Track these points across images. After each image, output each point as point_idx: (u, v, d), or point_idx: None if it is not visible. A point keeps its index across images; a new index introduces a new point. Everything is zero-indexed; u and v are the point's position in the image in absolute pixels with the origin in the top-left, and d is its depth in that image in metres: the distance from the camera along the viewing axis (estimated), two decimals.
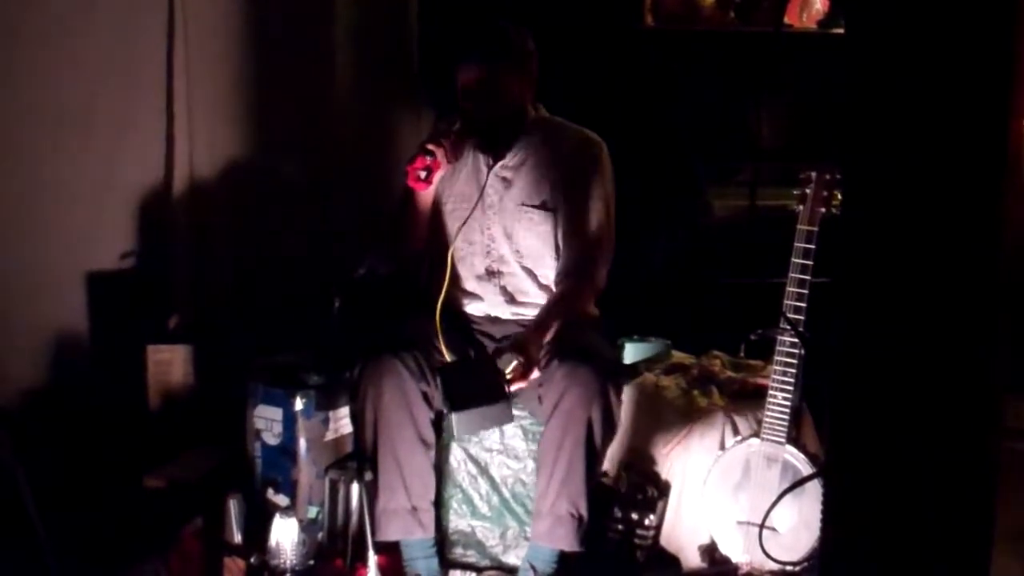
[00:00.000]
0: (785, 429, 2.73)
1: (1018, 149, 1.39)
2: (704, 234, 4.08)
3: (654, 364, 3.24)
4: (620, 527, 2.91)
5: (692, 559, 2.92)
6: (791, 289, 2.70)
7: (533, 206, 2.91)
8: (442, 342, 2.75)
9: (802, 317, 2.69)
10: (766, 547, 2.61)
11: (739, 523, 2.81)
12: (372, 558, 2.70)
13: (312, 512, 2.95)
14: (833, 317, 1.51)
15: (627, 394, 2.97)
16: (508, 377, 2.60)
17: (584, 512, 2.71)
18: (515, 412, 2.81)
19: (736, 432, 2.90)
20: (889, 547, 1.48)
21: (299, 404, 2.92)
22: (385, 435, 2.73)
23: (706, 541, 2.90)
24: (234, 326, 3.55)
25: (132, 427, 3.24)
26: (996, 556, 1.48)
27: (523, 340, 2.73)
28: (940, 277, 1.41)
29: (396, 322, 2.94)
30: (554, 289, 2.93)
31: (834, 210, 2.70)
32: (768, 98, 3.97)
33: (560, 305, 2.85)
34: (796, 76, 3.92)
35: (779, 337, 2.74)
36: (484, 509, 2.94)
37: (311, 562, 2.86)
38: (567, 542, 2.71)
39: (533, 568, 2.74)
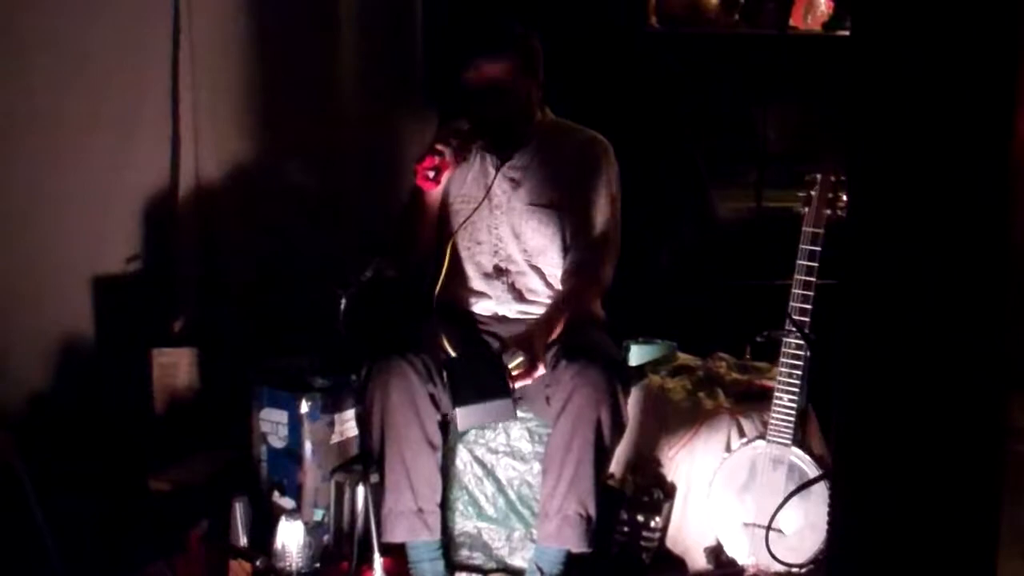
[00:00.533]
0: (791, 431, 2.73)
1: None
2: (710, 236, 4.07)
3: (660, 366, 3.23)
4: (626, 529, 2.90)
5: (698, 561, 2.92)
6: (796, 291, 2.70)
7: (541, 206, 2.92)
8: (444, 339, 2.75)
9: (807, 319, 2.68)
10: (772, 549, 2.60)
11: (745, 525, 2.80)
12: (378, 560, 2.70)
13: (318, 515, 2.95)
14: (838, 319, 1.50)
15: (632, 396, 2.97)
16: (513, 373, 2.61)
17: (592, 512, 2.71)
18: (521, 414, 2.81)
19: (742, 434, 2.90)
20: (895, 549, 1.48)
21: (305, 407, 2.92)
22: (392, 437, 2.74)
23: (712, 543, 2.90)
24: (239, 329, 3.55)
25: (137, 430, 3.25)
26: (1002, 559, 1.47)
27: (529, 337, 2.74)
28: (946, 279, 1.41)
29: (403, 325, 2.94)
30: (560, 287, 2.93)
31: (839, 212, 2.70)
32: (773, 100, 3.96)
33: (566, 303, 2.86)
34: (801, 78, 3.91)
35: (785, 339, 2.74)
36: (490, 511, 2.94)
37: (317, 565, 2.86)
38: (575, 542, 2.71)
39: (540, 570, 2.74)
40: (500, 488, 2.94)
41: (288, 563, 2.75)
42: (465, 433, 2.90)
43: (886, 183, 1.43)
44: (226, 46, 3.53)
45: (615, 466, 2.97)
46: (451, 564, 2.90)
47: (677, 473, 2.98)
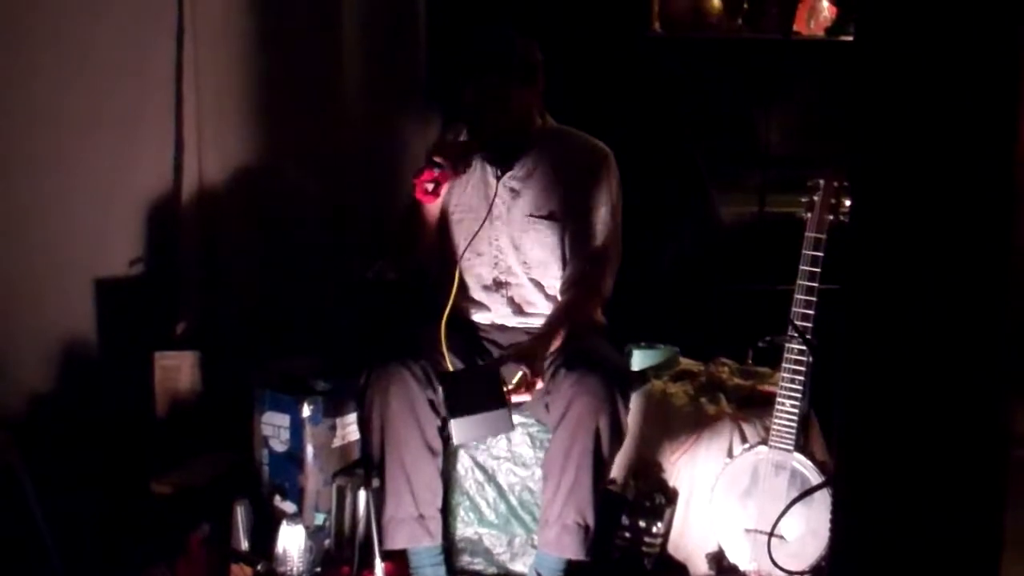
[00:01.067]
0: (793, 437, 2.73)
1: None
2: (712, 240, 4.07)
3: (662, 371, 3.23)
4: (628, 534, 2.90)
5: (700, 567, 2.92)
6: (799, 296, 2.70)
7: (541, 217, 2.91)
8: (446, 354, 2.75)
9: (810, 324, 2.68)
10: (774, 555, 2.60)
11: (747, 531, 2.80)
12: (379, 566, 2.70)
13: (319, 519, 2.95)
14: (841, 324, 1.50)
15: (635, 401, 2.96)
16: (510, 387, 2.59)
17: (591, 522, 2.70)
18: (522, 420, 2.80)
19: (744, 439, 2.90)
20: (898, 557, 1.47)
21: (307, 411, 2.92)
22: (392, 443, 2.73)
23: (714, 549, 2.89)
24: (242, 332, 3.55)
25: (139, 433, 3.24)
26: (1006, 565, 1.47)
27: (528, 350, 2.73)
28: (949, 285, 1.40)
29: (404, 329, 2.94)
30: (560, 298, 2.92)
31: (842, 218, 2.69)
32: (776, 104, 3.96)
33: (566, 314, 2.85)
34: (804, 83, 3.91)
35: (787, 344, 2.73)
36: (491, 517, 2.94)
37: (318, 569, 2.87)
38: (574, 551, 2.71)
39: None
40: (501, 494, 2.93)
41: (289, 567, 2.74)
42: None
43: (889, 188, 1.43)
44: (230, 47, 3.53)
45: (617, 471, 2.97)
46: (452, 570, 2.90)
47: (679, 478, 2.98)
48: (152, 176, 3.46)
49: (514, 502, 2.93)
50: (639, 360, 3.25)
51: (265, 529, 2.86)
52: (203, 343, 3.39)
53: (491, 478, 2.94)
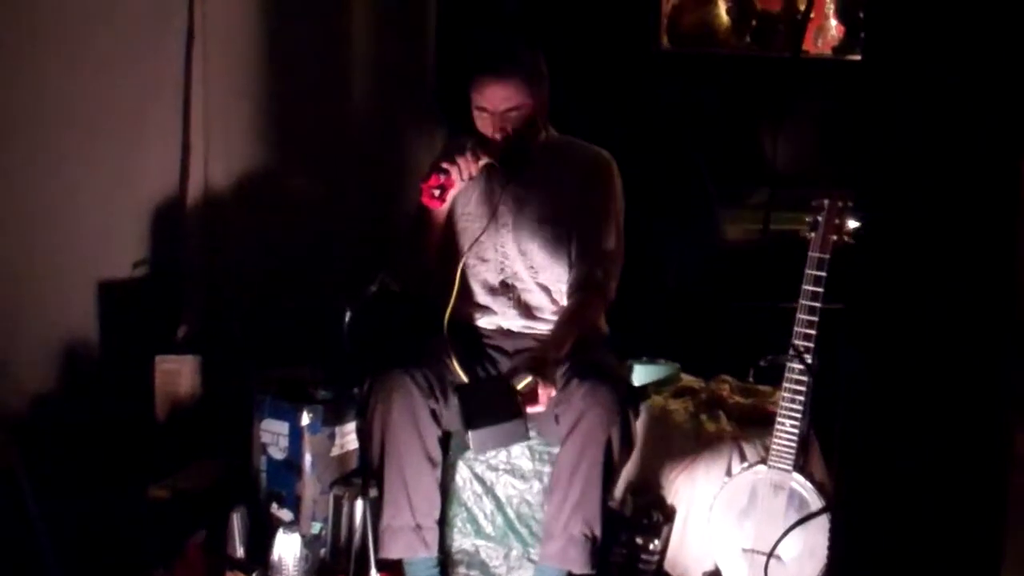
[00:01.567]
0: (792, 457, 2.72)
1: None
2: (716, 257, 4.07)
3: (663, 387, 3.23)
4: (624, 551, 2.89)
5: None
6: (801, 316, 2.69)
7: (546, 223, 2.92)
8: (455, 360, 2.75)
9: (812, 345, 2.67)
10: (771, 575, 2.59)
11: (744, 551, 2.79)
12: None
13: (316, 528, 2.94)
14: (843, 345, 1.50)
15: None
16: (522, 395, 2.59)
17: (598, 534, 2.69)
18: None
19: (743, 458, 2.89)
20: None
21: (306, 419, 2.92)
22: (392, 452, 2.73)
23: (711, 568, 2.88)
24: (243, 338, 3.55)
25: (138, 437, 3.24)
26: None
27: (539, 358, 2.72)
28: (952, 307, 1.40)
29: (407, 338, 2.94)
30: (566, 303, 2.93)
31: (846, 238, 2.69)
32: (783, 123, 3.96)
33: (573, 319, 2.86)
34: (811, 102, 3.92)
35: (788, 364, 2.73)
36: (488, 529, 2.93)
37: None
38: (579, 564, 2.69)
39: None
40: (499, 506, 2.93)
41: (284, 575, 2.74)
42: (467, 450, 2.89)
43: (895, 209, 1.42)
44: (239, 52, 3.54)
45: (614, 487, 2.96)
46: None
47: (677, 496, 2.97)
48: (157, 180, 3.47)
49: (512, 515, 2.92)
50: (640, 375, 3.24)
51: (261, 536, 2.85)
52: (204, 348, 3.39)
53: (489, 490, 2.93)
